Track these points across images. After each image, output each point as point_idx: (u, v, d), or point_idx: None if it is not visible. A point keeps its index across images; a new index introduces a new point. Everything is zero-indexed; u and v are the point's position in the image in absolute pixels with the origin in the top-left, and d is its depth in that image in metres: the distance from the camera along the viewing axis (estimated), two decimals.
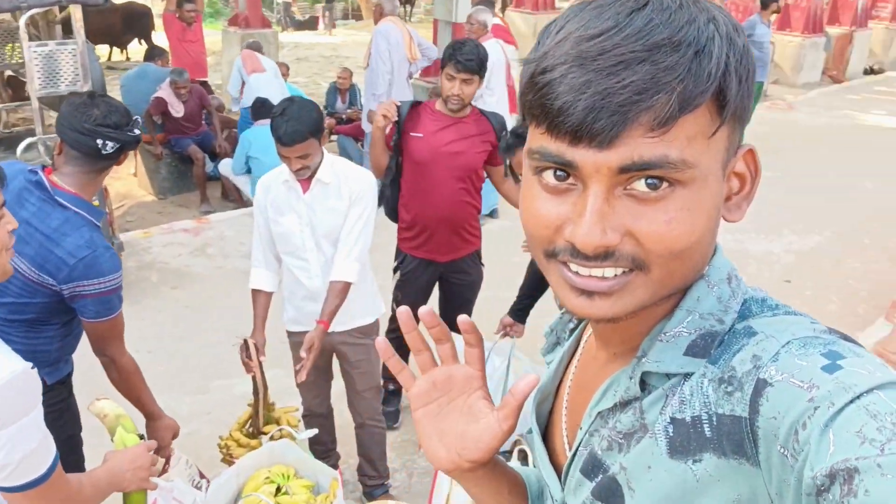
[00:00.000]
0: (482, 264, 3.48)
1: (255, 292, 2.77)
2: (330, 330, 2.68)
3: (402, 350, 1.22)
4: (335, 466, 3.20)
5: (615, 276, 0.65)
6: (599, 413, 0.74)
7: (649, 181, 0.62)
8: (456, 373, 0.81)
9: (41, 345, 2.14)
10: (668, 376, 0.68)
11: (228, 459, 2.84)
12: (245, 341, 2.66)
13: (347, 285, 2.59)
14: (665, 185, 0.62)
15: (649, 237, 0.62)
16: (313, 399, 2.98)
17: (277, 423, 2.88)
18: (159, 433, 2.37)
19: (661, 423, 0.66)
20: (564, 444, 0.83)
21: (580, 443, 0.76)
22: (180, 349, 4.48)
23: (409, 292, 3.33)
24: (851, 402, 0.53)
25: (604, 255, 0.63)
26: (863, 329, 4.92)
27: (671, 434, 0.65)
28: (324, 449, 3.10)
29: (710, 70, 0.60)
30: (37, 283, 2.03)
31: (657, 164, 0.60)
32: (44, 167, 2.13)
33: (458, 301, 3.44)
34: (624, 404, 0.71)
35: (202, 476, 2.74)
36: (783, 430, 0.56)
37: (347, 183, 2.59)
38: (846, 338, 0.62)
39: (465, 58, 2.99)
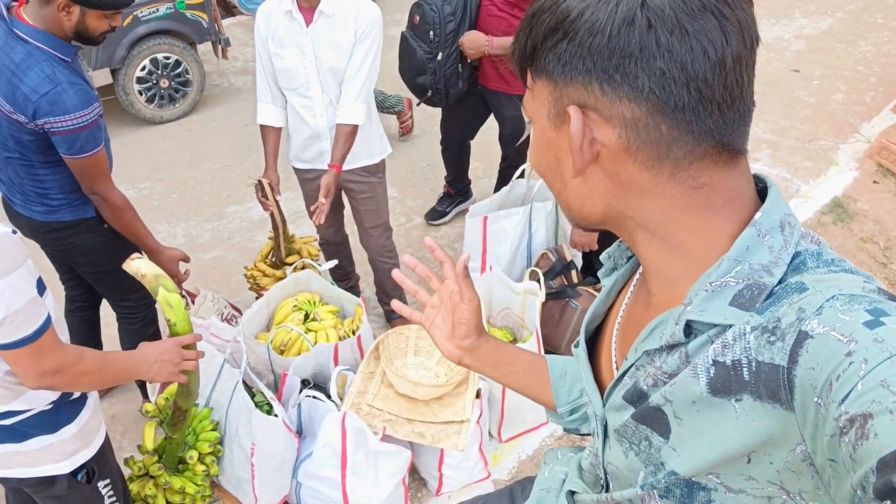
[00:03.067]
0: None
1: (263, 128, 2.72)
2: None
3: None
4: (355, 287, 3.40)
5: None
6: (646, 351, 0.77)
7: None
8: (450, 285, 1.08)
9: (48, 185, 2.18)
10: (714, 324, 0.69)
11: (256, 289, 3.01)
12: (259, 182, 2.70)
13: (355, 128, 2.55)
14: None
15: None
16: (328, 229, 3.07)
17: (299, 254, 3.01)
18: (165, 266, 2.43)
19: (703, 364, 0.68)
20: (613, 366, 0.88)
21: (625, 373, 0.80)
22: (191, 175, 4.54)
23: None
24: (886, 359, 0.54)
25: None
26: (868, 119, 4.91)
27: (712, 375, 0.67)
28: (343, 272, 3.26)
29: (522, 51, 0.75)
30: (14, 120, 2.02)
31: None
32: None
33: None
34: (670, 347, 0.73)
35: (233, 307, 2.93)
36: (820, 381, 0.58)
37: (353, 16, 2.46)
38: (894, 297, 0.63)
39: None
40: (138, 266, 1.84)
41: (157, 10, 4.66)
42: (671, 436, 0.73)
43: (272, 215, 2.80)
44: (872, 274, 3.62)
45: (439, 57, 3.09)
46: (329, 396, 2.40)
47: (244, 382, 2.44)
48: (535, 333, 2.67)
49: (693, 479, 0.73)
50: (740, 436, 0.66)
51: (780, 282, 0.68)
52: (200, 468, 2.28)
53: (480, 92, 3.35)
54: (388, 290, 3.21)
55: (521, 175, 3.23)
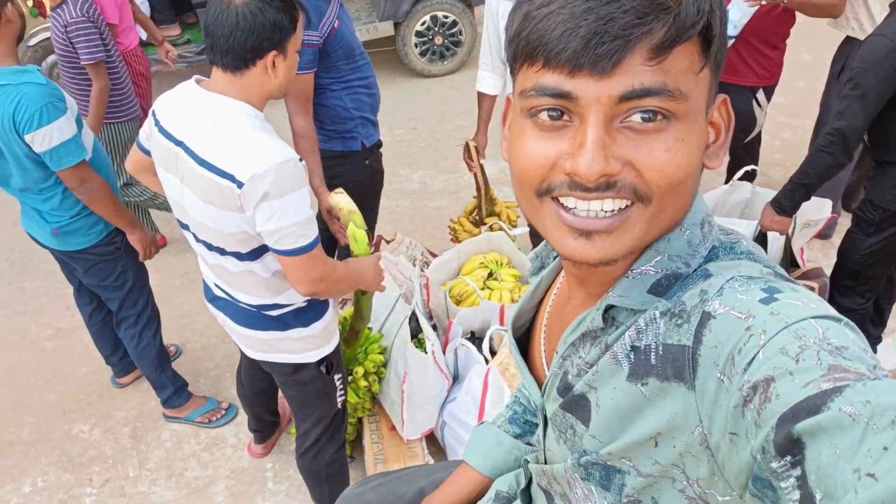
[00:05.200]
0: (758, 104, 3.22)
1: (480, 95, 2.92)
2: None
3: None
4: None
5: (613, 211, 0.66)
6: (572, 342, 0.81)
7: (644, 115, 0.63)
8: None
9: (321, 116, 2.51)
10: (634, 312, 0.73)
11: (455, 240, 3.26)
12: (467, 144, 2.91)
13: None
14: (660, 117, 0.64)
15: (650, 166, 0.64)
16: None
17: (498, 216, 3.19)
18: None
19: (622, 351, 0.72)
20: (542, 362, 0.93)
21: (555, 365, 0.84)
22: (440, 128, 4.91)
23: None
24: (783, 329, 0.58)
25: (605, 185, 0.65)
26: None
27: (632, 360, 0.71)
28: (540, 240, 3.37)
29: (699, 5, 0.63)
30: None
31: (657, 90, 0.62)
32: None
33: None
34: (593, 338, 0.78)
35: (431, 254, 3.21)
36: (722, 357, 0.61)
37: None
38: (790, 280, 0.66)
39: None
40: (338, 199, 2.16)
41: None
42: (590, 423, 0.78)
43: (476, 176, 3.01)
44: None
45: None
46: (482, 351, 2.57)
47: (417, 320, 2.71)
48: None
49: (609, 463, 0.77)
50: (647, 419, 0.70)
51: (693, 272, 0.71)
52: (363, 383, 2.60)
53: None
54: None
55: (746, 177, 3.06)
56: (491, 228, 3.09)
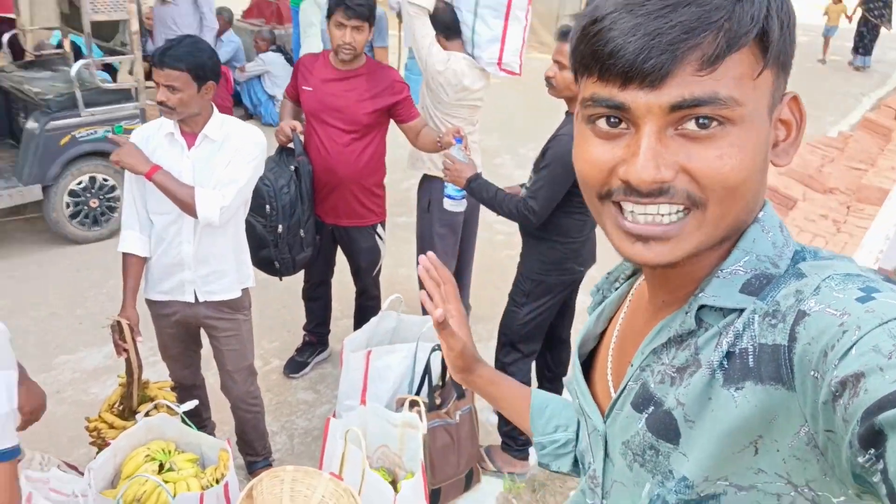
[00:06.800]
0: (380, 238, 3.45)
1: (126, 258, 2.51)
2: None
3: None
4: (211, 436, 3.08)
5: (670, 221, 0.68)
6: (653, 350, 0.77)
7: (700, 121, 0.65)
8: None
9: None
10: (724, 314, 0.71)
11: (99, 443, 2.64)
12: (117, 322, 2.45)
13: (192, 199, 2.35)
14: (715, 124, 0.66)
15: (703, 172, 0.66)
16: (182, 370, 2.81)
17: (152, 400, 2.71)
18: None
19: (717, 358, 0.69)
20: (609, 386, 0.88)
21: (630, 378, 0.80)
22: (10, 324, 4.03)
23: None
24: (878, 326, 0.56)
25: (658, 191, 0.67)
26: None
27: (726, 366, 0.68)
28: (199, 420, 2.95)
29: (752, 13, 0.64)
30: None
31: (707, 100, 0.64)
32: None
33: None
34: (679, 341, 0.75)
35: (69, 466, 2.53)
36: (815, 354, 0.59)
37: (233, 139, 2.43)
38: (889, 279, 0.65)
39: (356, 3, 2.90)
40: None
41: (96, 132, 4.80)
42: (681, 440, 0.72)
43: (127, 360, 2.53)
44: None
45: (280, 229, 3.12)
46: None
47: None
48: (420, 470, 2.53)
49: (703, 493, 0.71)
50: (745, 423, 0.66)
51: (783, 273, 0.71)
52: None
53: (330, 231, 3.39)
54: (250, 441, 2.94)
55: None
56: (148, 414, 2.60)
